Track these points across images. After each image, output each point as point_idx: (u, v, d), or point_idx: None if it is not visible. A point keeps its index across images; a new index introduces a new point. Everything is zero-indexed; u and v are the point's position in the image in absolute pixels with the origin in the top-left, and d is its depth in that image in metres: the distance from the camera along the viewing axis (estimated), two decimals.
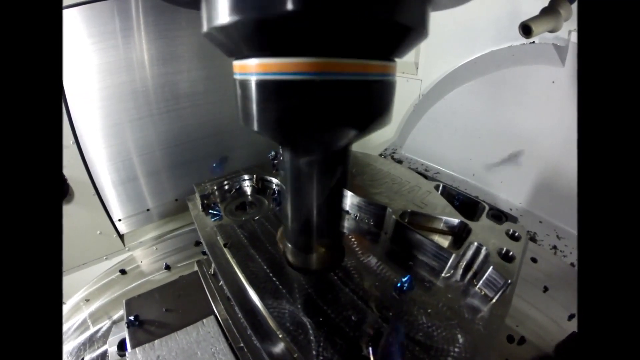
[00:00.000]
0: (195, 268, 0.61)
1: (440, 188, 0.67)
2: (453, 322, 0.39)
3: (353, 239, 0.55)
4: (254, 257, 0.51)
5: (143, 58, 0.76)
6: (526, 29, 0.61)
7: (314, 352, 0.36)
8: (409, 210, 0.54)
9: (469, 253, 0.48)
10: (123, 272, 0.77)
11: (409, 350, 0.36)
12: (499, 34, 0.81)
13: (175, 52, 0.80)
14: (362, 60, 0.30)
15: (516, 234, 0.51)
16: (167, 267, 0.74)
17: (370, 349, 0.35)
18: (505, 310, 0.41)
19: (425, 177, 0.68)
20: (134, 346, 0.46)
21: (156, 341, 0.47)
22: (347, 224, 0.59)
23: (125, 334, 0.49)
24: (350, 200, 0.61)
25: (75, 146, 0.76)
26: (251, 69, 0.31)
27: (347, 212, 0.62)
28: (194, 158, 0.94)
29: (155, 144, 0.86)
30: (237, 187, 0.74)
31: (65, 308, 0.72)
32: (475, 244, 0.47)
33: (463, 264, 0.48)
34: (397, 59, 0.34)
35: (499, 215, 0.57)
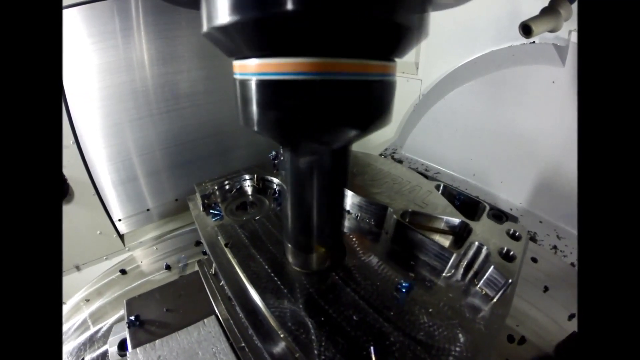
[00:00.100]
0: (196, 268, 0.62)
1: (441, 188, 0.67)
2: (454, 321, 0.39)
3: (354, 239, 0.55)
4: (255, 257, 0.51)
5: (143, 58, 0.77)
6: (526, 29, 0.61)
7: (315, 352, 0.36)
8: (410, 210, 0.54)
9: (470, 253, 0.48)
10: (123, 272, 0.77)
11: (410, 350, 0.36)
12: (499, 34, 0.81)
13: (175, 52, 0.80)
14: (362, 60, 0.30)
15: (517, 233, 0.51)
16: (168, 267, 0.74)
17: (371, 348, 0.35)
18: (506, 310, 0.41)
19: (426, 177, 0.68)
20: (135, 346, 0.46)
21: (157, 341, 0.47)
22: (348, 223, 0.59)
23: (125, 334, 0.50)
24: (351, 199, 0.61)
25: (75, 146, 0.76)
26: (251, 69, 0.31)
27: (348, 211, 0.62)
28: (194, 158, 0.94)
29: (155, 144, 0.86)
30: (238, 187, 0.74)
31: (65, 308, 0.72)
32: (476, 243, 0.47)
33: (464, 263, 0.48)
34: (397, 59, 0.34)
35: (499, 215, 0.57)
